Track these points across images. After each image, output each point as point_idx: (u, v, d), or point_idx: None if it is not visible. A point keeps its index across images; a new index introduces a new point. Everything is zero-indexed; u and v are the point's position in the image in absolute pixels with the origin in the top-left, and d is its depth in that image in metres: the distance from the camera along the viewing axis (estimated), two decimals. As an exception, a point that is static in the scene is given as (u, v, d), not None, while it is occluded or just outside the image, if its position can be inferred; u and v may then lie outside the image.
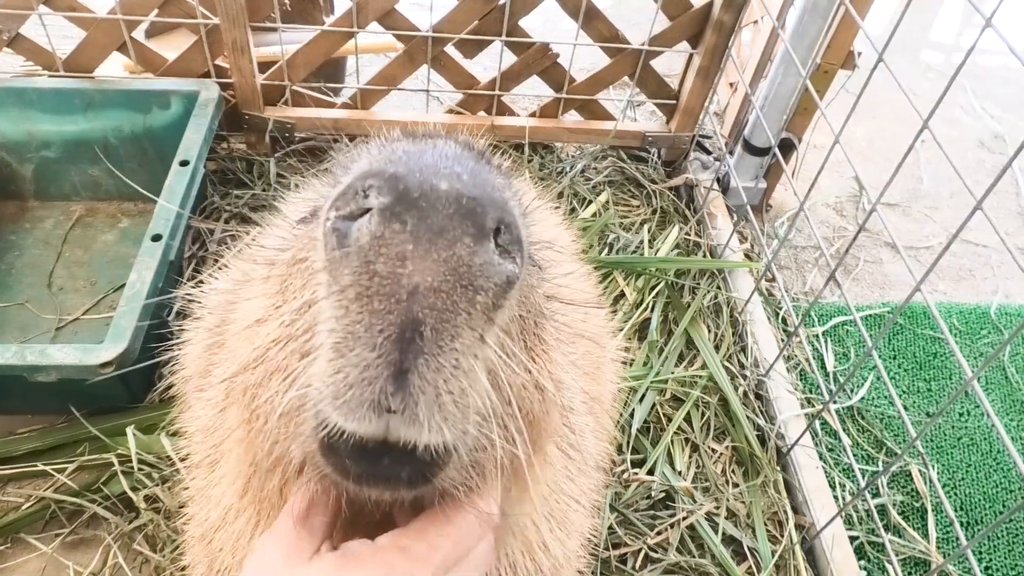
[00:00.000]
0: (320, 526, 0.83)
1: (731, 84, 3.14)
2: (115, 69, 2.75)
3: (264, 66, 2.72)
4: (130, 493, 1.98)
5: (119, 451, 2.03)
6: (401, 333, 0.64)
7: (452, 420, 0.68)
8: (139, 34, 2.71)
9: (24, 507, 1.99)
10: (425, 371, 0.65)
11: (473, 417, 0.71)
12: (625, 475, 2.16)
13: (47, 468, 2.02)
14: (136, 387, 2.15)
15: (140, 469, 2.01)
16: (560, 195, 2.87)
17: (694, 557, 2.05)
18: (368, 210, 0.64)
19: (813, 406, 2.41)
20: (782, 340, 2.57)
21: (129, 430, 2.03)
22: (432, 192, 0.64)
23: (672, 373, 2.40)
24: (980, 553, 2.25)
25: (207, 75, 2.66)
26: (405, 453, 0.71)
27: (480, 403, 0.71)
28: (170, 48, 2.68)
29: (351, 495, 0.82)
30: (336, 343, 0.66)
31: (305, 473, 0.83)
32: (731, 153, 2.94)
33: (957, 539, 2.25)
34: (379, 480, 0.74)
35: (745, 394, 2.40)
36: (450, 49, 2.71)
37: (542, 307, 0.87)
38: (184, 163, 2.32)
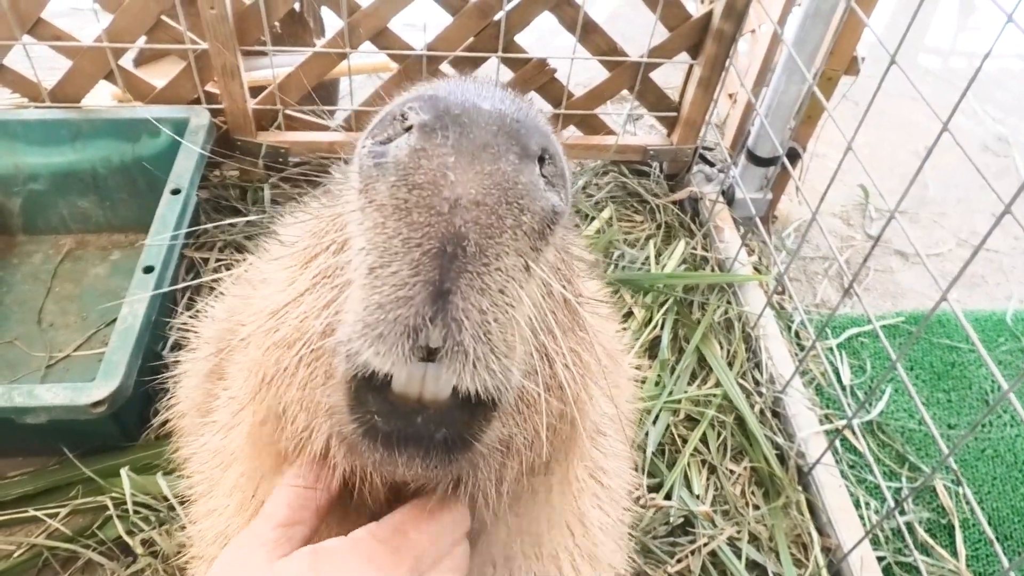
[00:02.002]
0: (300, 534, 0.78)
1: (730, 95, 3.09)
2: (103, 99, 2.69)
3: (255, 90, 2.66)
4: (126, 537, 1.89)
5: (113, 493, 1.95)
6: (442, 248, 0.58)
7: (499, 356, 0.62)
8: (127, 63, 2.65)
9: (15, 555, 1.91)
10: (469, 291, 0.59)
11: (518, 362, 0.65)
12: (642, 500, 2.08)
13: (38, 514, 1.94)
14: (130, 425, 2.06)
15: (136, 512, 1.92)
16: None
17: (718, 585, 1.97)
18: (408, 130, 0.60)
19: (831, 422, 2.33)
20: (796, 354, 2.50)
21: (123, 471, 1.95)
22: (475, 110, 0.59)
23: (685, 392, 2.32)
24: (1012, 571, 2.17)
25: (197, 101, 2.60)
26: (441, 413, 0.65)
27: (526, 345, 0.64)
28: (160, 76, 2.62)
29: (376, 475, 0.75)
30: (371, 265, 0.60)
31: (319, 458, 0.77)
32: (735, 164, 2.88)
33: (988, 557, 2.17)
34: (411, 442, 0.67)
35: (762, 412, 2.32)
36: (445, 67, 2.66)
37: (577, 276, 0.82)
38: (176, 191, 2.25)
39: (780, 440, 2.25)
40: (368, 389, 0.66)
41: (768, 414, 2.32)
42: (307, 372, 0.72)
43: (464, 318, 0.60)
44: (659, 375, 2.35)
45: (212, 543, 1.06)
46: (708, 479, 2.17)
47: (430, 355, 0.62)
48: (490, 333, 0.61)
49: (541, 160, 0.62)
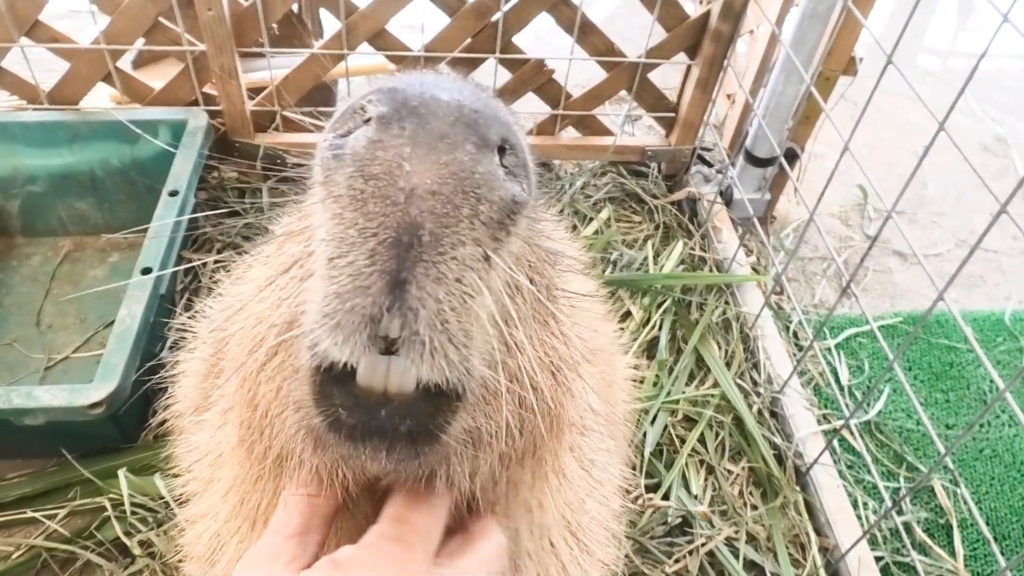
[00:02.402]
0: (313, 544, 0.78)
1: (728, 96, 3.09)
2: (102, 101, 2.69)
3: (254, 92, 2.66)
4: (124, 538, 1.90)
5: (111, 494, 1.95)
6: (398, 238, 0.59)
7: (457, 346, 0.62)
8: (126, 65, 2.65)
9: (14, 556, 1.91)
10: (424, 280, 0.59)
11: (479, 353, 0.65)
12: (640, 500, 2.08)
13: (37, 515, 1.94)
14: (129, 426, 2.07)
15: (134, 513, 1.93)
16: (560, 213, 2.81)
17: (715, 585, 1.97)
18: (367, 122, 0.61)
19: (829, 422, 2.33)
20: (794, 355, 2.50)
21: (120, 472, 1.95)
22: (433, 101, 0.60)
23: (683, 393, 2.32)
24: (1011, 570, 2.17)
25: (195, 103, 2.60)
26: (405, 405, 0.65)
27: (487, 336, 0.65)
28: (158, 78, 2.62)
29: (346, 470, 0.75)
30: (329, 256, 0.61)
31: (297, 463, 0.78)
32: (733, 165, 2.88)
33: (986, 557, 2.17)
34: (375, 434, 0.67)
35: (760, 412, 2.32)
36: (443, 69, 2.65)
37: (550, 268, 0.81)
38: (173, 193, 2.25)
39: (778, 440, 2.25)
40: (333, 382, 0.66)
41: (766, 414, 2.32)
42: (276, 366, 0.72)
43: (420, 307, 0.60)
44: (657, 375, 2.35)
45: (206, 544, 1.06)
46: (706, 479, 2.17)
47: (392, 348, 0.62)
48: (447, 322, 0.61)
49: (502, 151, 0.63)
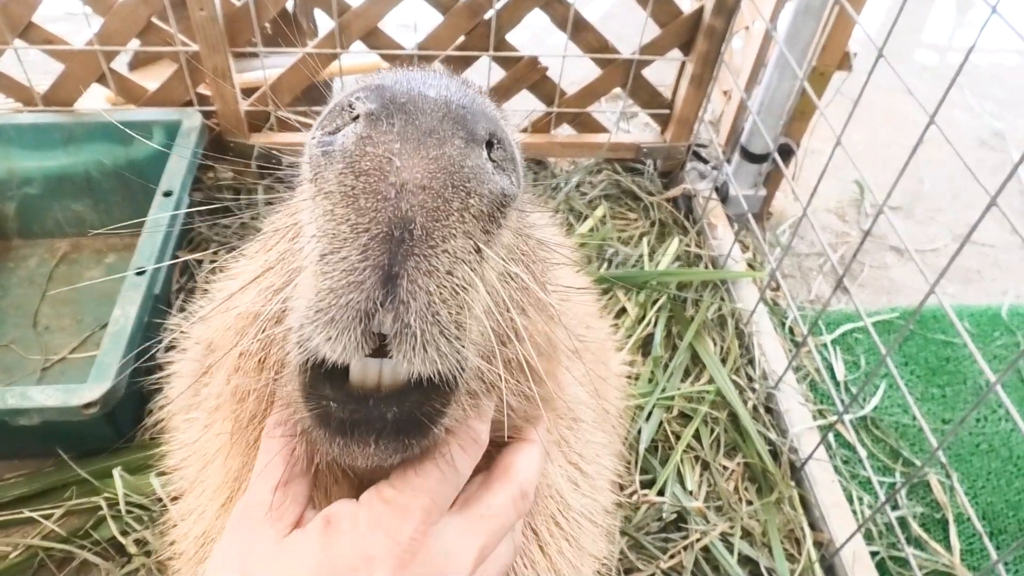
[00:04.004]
0: (302, 488, 0.76)
1: (725, 92, 3.09)
2: (97, 102, 2.70)
3: (249, 92, 2.67)
4: (120, 537, 1.90)
5: (107, 494, 1.96)
6: (389, 232, 0.59)
7: (449, 337, 0.63)
8: (122, 66, 2.66)
9: (12, 556, 1.91)
10: (416, 274, 0.60)
11: (473, 344, 0.66)
12: (634, 496, 2.08)
13: (34, 515, 1.94)
14: (124, 426, 2.07)
15: (129, 512, 1.93)
16: (556, 211, 2.81)
17: (710, 581, 1.97)
18: (355, 120, 0.61)
19: (825, 417, 2.33)
20: (790, 351, 2.50)
21: (115, 472, 1.96)
22: (420, 98, 0.61)
23: (678, 389, 2.32)
24: (1006, 564, 2.17)
25: (189, 103, 2.61)
26: (394, 395, 0.65)
27: (482, 327, 0.65)
28: (154, 79, 2.62)
29: (335, 458, 0.75)
30: (321, 252, 0.61)
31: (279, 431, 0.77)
32: (728, 161, 2.88)
33: (982, 552, 2.17)
34: (365, 426, 0.67)
35: (755, 408, 2.32)
36: (437, 67, 2.65)
37: (542, 259, 0.82)
38: (167, 193, 2.26)
39: (773, 436, 2.25)
40: (323, 378, 0.67)
41: (761, 410, 2.32)
42: (261, 360, 0.73)
43: (411, 299, 0.60)
44: (652, 372, 2.35)
45: (193, 543, 1.07)
46: (701, 475, 2.17)
47: (384, 350, 0.62)
48: (438, 314, 0.62)
49: (489, 145, 0.63)
